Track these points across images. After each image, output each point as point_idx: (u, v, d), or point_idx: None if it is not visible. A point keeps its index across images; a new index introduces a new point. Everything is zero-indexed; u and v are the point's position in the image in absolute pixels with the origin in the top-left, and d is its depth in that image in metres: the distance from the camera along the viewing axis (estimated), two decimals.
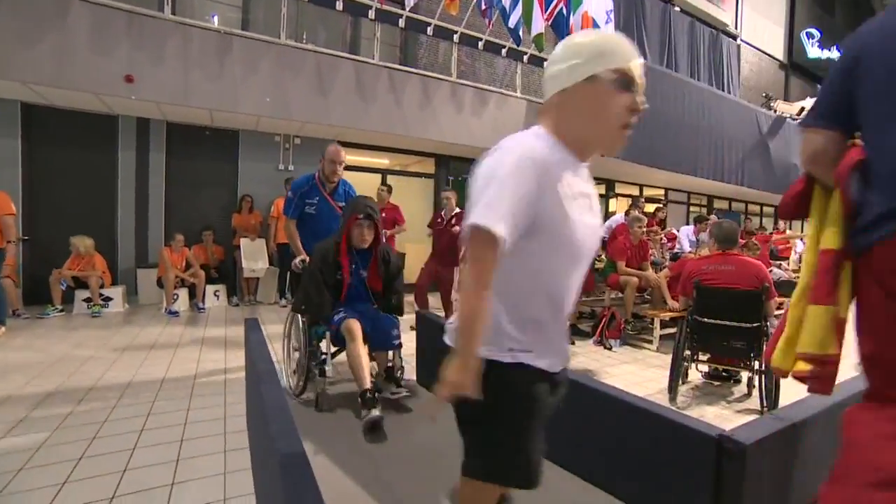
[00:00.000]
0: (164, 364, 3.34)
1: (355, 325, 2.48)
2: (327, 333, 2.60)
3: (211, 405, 2.62)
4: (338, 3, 5.60)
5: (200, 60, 5.07)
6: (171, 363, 3.37)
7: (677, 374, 2.96)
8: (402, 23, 6.28)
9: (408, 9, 6.01)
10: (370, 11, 5.93)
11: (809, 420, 1.41)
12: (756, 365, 2.90)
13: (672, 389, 2.95)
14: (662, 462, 1.46)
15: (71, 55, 4.46)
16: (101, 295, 5.02)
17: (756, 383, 3.01)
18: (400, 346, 2.69)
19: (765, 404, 2.79)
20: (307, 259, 2.83)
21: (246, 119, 5.73)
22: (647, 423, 1.53)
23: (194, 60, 5.03)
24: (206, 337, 4.20)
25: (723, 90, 9.87)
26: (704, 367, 3.38)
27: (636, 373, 3.60)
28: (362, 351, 2.45)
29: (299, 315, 2.78)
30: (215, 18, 5.93)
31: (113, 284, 5.33)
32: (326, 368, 2.54)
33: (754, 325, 2.77)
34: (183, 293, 5.41)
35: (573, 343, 4.39)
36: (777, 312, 5.65)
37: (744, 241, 5.67)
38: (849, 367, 1.24)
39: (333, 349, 2.68)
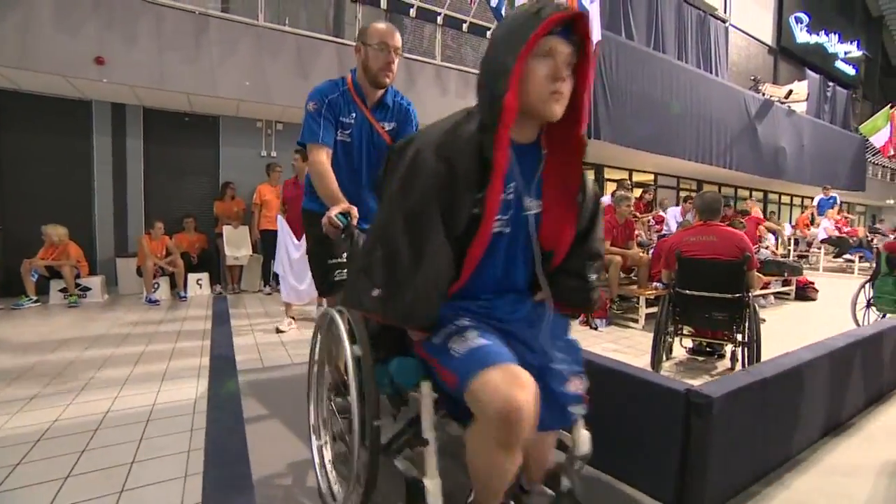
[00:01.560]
0: (138, 349, 3.26)
1: (524, 396, 0.89)
2: (428, 384, 1.07)
3: (183, 387, 2.55)
4: None
5: (175, 41, 4.92)
6: (145, 348, 3.29)
7: (660, 348, 2.94)
8: (384, 3, 6.15)
9: None
10: None
11: (778, 376, 1.37)
12: (738, 337, 2.87)
13: (655, 364, 2.92)
14: (631, 421, 1.42)
15: (35, 34, 4.29)
16: (77, 285, 4.90)
17: (738, 356, 2.98)
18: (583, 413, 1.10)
19: None
20: (352, 211, 1.43)
21: (226, 104, 5.60)
22: (615, 382, 1.48)
23: (168, 41, 4.88)
24: (186, 322, 4.11)
25: (711, 73, 9.82)
26: (688, 343, 3.35)
27: (621, 351, 3.56)
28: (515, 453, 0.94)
29: (341, 320, 1.28)
30: None
31: (92, 274, 5.22)
32: (427, 484, 1.00)
33: (736, 295, 2.74)
34: (164, 282, 5.32)
35: None
36: (763, 292, 5.70)
37: (729, 220, 5.64)
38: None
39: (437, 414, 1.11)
